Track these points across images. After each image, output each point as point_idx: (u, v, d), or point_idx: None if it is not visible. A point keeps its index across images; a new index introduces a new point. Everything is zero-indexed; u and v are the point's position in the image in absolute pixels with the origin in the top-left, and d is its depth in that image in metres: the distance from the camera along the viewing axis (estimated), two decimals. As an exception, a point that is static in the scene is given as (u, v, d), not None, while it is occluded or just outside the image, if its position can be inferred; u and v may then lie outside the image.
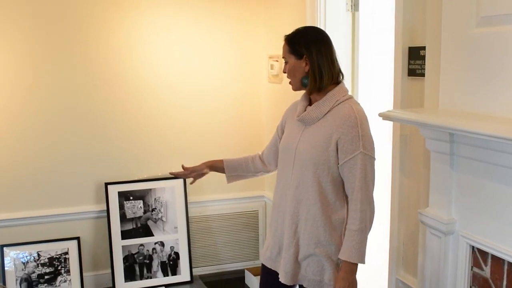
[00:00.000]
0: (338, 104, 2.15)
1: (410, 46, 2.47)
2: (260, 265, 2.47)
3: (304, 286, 2.24)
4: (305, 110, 2.24)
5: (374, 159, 2.14)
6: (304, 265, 2.22)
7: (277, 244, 2.33)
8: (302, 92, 2.29)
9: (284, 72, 2.28)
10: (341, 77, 2.25)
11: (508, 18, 1.85)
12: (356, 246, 2.10)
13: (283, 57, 2.28)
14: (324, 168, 2.14)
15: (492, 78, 1.92)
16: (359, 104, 2.20)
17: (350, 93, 2.36)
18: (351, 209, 2.13)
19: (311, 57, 2.17)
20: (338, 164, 2.13)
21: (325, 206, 2.16)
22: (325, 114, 2.17)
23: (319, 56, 2.16)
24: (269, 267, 2.37)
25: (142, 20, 3.82)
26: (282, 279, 2.26)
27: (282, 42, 2.27)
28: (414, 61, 2.45)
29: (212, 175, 4.00)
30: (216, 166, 2.59)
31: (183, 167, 2.61)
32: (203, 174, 2.62)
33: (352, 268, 2.13)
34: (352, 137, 2.08)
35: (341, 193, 2.18)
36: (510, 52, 1.84)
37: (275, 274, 2.32)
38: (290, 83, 2.28)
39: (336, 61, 2.22)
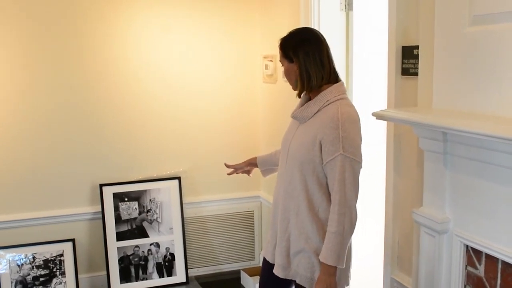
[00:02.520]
0: (328, 104, 2.16)
1: (404, 45, 2.47)
2: (256, 265, 2.48)
3: (297, 282, 2.26)
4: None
5: (357, 162, 2.11)
6: (296, 261, 2.24)
7: (274, 238, 2.37)
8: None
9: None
10: (337, 76, 2.25)
11: (500, 17, 1.85)
12: (332, 249, 2.09)
13: (280, 61, 2.30)
14: (309, 168, 2.16)
15: (485, 77, 1.92)
16: (351, 105, 2.19)
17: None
18: (330, 210, 2.12)
19: (298, 60, 2.19)
20: (323, 164, 2.14)
21: (312, 204, 2.18)
22: (315, 114, 2.18)
23: (306, 58, 2.17)
24: (268, 260, 2.40)
25: (138, 20, 3.81)
26: (275, 270, 2.30)
27: (277, 43, 2.29)
28: (408, 60, 2.45)
29: (207, 176, 4.04)
30: (253, 163, 2.72)
31: (226, 165, 2.75)
32: (248, 171, 2.77)
33: (329, 270, 2.12)
34: (333, 138, 2.08)
35: (328, 192, 2.17)
36: (503, 51, 1.84)
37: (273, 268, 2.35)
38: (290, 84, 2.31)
39: (329, 60, 2.22)
